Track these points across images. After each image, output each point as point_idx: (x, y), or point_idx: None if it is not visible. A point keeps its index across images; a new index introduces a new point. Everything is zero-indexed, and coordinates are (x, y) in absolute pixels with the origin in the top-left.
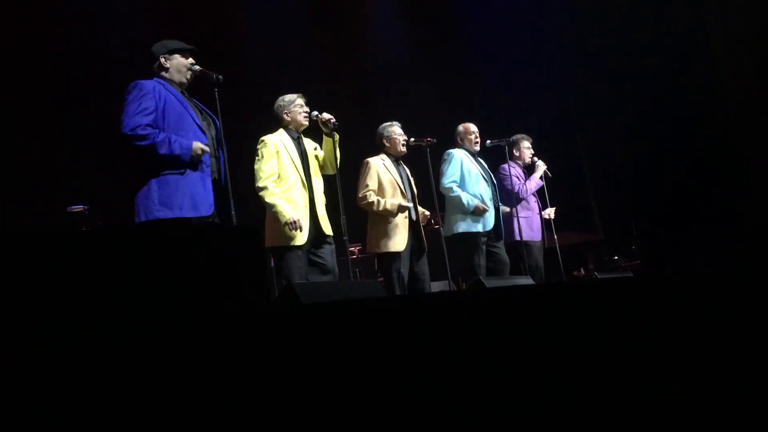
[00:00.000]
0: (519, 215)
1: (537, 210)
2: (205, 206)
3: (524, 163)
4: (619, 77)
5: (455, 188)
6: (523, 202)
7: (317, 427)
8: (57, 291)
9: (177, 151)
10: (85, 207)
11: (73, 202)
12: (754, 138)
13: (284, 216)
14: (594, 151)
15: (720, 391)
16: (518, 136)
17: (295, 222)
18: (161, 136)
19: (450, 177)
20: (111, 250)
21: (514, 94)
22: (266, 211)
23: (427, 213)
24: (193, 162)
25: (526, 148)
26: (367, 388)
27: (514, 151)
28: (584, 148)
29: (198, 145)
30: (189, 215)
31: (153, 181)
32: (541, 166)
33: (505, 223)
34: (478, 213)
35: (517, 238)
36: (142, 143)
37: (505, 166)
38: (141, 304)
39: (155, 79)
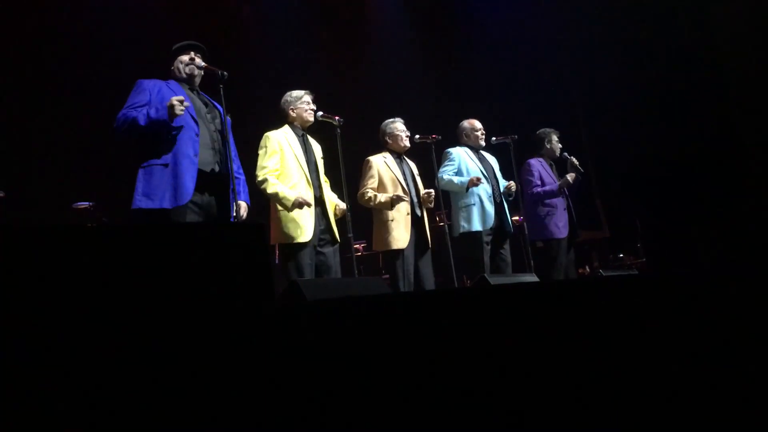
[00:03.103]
0: (539, 213)
1: (564, 206)
2: (183, 195)
3: (554, 157)
4: (625, 75)
5: (445, 176)
6: (545, 201)
7: (322, 423)
8: (61, 288)
9: (154, 115)
10: (91, 203)
11: (78, 198)
12: (759, 136)
13: (289, 200)
14: (599, 148)
15: (726, 393)
16: (547, 129)
17: (301, 201)
18: (138, 111)
19: (443, 171)
20: (115, 247)
21: (519, 91)
22: (270, 208)
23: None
24: (174, 115)
25: (555, 142)
26: (371, 385)
27: (546, 144)
28: (589, 146)
29: (172, 99)
30: (167, 206)
31: (141, 172)
32: (574, 162)
33: (534, 220)
34: (472, 185)
35: (557, 236)
36: (124, 127)
37: (531, 161)
38: (145, 301)
39: (169, 80)
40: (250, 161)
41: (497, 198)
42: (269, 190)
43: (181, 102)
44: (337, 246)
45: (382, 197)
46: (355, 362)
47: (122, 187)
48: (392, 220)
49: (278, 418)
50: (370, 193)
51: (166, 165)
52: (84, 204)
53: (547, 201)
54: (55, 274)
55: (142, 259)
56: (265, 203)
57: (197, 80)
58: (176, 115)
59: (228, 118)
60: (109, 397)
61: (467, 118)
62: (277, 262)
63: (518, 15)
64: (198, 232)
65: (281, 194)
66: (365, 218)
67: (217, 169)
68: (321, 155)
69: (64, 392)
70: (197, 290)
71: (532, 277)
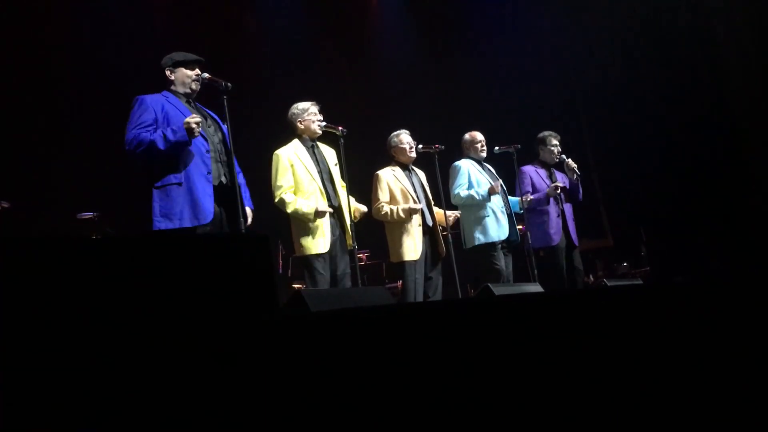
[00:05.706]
0: (533, 221)
1: (557, 213)
2: (205, 215)
3: (552, 161)
4: (628, 84)
5: (462, 192)
6: (537, 208)
7: None
8: (66, 298)
9: (172, 138)
10: (95, 214)
11: (83, 209)
12: (762, 143)
13: (309, 214)
14: (602, 157)
15: (732, 399)
16: (545, 133)
17: (319, 212)
18: (155, 134)
19: (458, 187)
20: (120, 258)
21: (521, 100)
22: (291, 222)
23: (455, 214)
24: (193, 136)
25: (553, 146)
26: (375, 396)
27: (542, 148)
28: (593, 155)
29: (187, 120)
30: (188, 225)
31: (155, 193)
32: (570, 165)
33: (532, 229)
34: (493, 193)
35: (551, 243)
36: (141, 149)
37: (524, 168)
38: (149, 311)
39: (163, 92)
40: (253, 172)
41: (507, 209)
42: (288, 210)
43: (198, 124)
44: (348, 256)
45: (400, 210)
46: (359, 373)
47: (126, 197)
48: (406, 232)
49: (281, 427)
50: (386, 208)
51: (180, 184)
52: (88, 214)
53: (540, 208)
54: (60, 285)
55: (145, 270)
56: (277, 215)
57: (194, 93)
58: (195, 136)
59: (224, 126)
60: (110, 406)
61: (471, 127)
62: (281, 272)
63: (521, 25)
64: (202, 243)
65: (300, 210)
66: (368, 228)
67: (225, 180)
68: (335, 161)
69: (68, 400)
70: (201, 301)
71: (536, 287)
